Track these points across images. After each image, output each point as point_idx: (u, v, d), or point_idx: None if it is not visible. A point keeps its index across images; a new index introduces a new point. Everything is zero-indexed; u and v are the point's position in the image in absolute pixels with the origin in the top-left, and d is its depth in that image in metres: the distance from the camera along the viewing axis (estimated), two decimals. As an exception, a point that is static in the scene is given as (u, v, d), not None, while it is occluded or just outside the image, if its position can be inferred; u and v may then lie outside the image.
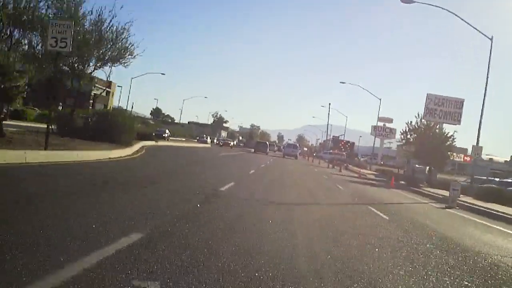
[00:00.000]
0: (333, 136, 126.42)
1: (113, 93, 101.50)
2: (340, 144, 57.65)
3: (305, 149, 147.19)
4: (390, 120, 71.29)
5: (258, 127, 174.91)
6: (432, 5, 26.77)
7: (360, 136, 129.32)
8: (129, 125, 25.78)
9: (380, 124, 71.98)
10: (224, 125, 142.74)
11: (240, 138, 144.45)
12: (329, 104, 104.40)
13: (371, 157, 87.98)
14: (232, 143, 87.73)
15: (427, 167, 29.64)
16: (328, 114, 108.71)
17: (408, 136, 34.19)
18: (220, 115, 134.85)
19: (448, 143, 32.03)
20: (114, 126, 23.73)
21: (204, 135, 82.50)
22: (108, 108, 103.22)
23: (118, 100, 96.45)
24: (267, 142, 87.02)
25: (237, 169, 22.46)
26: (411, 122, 35.09)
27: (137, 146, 24.96)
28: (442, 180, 29.19)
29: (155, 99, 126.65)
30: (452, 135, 32.35)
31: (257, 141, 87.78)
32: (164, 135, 57.40)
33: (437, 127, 34.09)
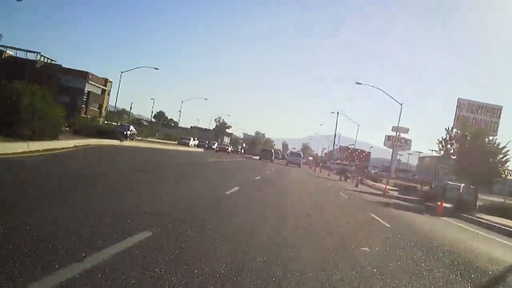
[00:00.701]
0: (340, 146, 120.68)
1: (109, 91, 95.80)
2: (354, 154, 51.20)
3: (310, 158, 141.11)
4: (406, 130, 64.81)
5: (263, 134, 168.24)
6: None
7: (371, 147, 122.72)
8: (41, 110, 17.16)
9: (394, 133, 65.51)
10: (227, 131, 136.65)
11: (244, 145, 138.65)
12: (337, 112, 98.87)
13: (383, 170, 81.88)
14: (229, 149, 77.34)
15: (472, 186, 22.97)
16: (336, 122, 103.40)
17: (449, 146, 27.51)
18: (223, 120, 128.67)
19: (501, 156, 25.32)
20: (16, 111, 15.98)
21: (192, 138, 68.97)
22: (104, 109, 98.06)
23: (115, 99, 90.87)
24: (273, 150, 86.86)
25: (202, 189, 16.17)
26: (451, 128, 28.66)
27: (66, 143, 18.20)
28: (492, 204, 22.70)
29: (151, 99, 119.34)
30: (505, 147, 25.56)
31: (262, 148, 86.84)
32: (126, 132, 48.05)
33: (489, 137, 27.39)
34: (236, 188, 13.71)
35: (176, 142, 61.99)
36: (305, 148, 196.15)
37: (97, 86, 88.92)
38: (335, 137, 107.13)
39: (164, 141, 58.92)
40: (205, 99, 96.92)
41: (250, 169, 28.68)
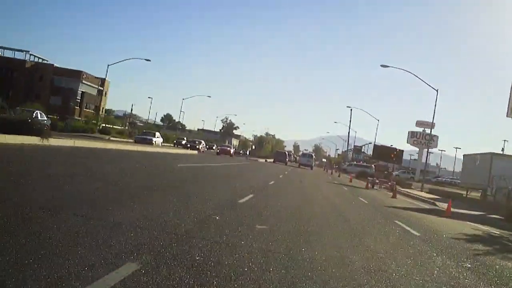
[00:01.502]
0: (355, 145, 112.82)
1: (106, 92, 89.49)
2: (391, 154, 42.57)
3: (324, 160, 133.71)
4: (431, 125, 57.16)
5: (273, 135, 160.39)
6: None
7: (391, 145, 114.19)
8: None
9: (419, 129, 57.62)
10: (236, 132, 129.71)
11: (253, 147, 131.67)
12: (351, 109, 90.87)
13: (405, 171, 74.06)
14: (232, 151, 66.02)
15: None
16: (350, 120, 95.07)
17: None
18: (230, 120, 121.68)
19: None
20: None
21: (157, 134, 50.18)
22: (101, 110, 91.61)
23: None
24: (287, 152, 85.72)
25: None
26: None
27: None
28: None
29: (149, 97, 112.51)
30: None
31: (276, 151, 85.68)
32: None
33: None
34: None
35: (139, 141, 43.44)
36: (317, 149, 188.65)
37: (92, 87, 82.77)
38: (349, 135, 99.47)
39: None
40: (208, 96, 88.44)
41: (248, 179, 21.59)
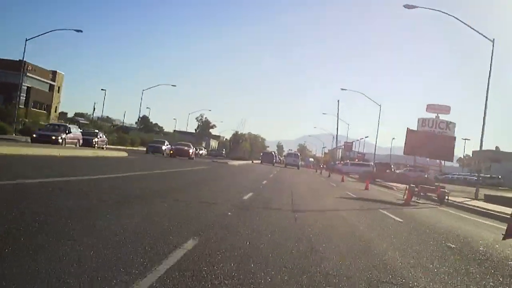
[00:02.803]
0: (345, 142, 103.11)
1: (59, 87, 77.27)
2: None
3: (311, 159, 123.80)
4: (446, 109, 47.25)
5: (249, 133, 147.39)
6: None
7: (393, 138, 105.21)
8: None
9: (431, 115, 47.55)
10: (212, 132, 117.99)
11: (231, 144, 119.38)
12: (338, 101, 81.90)
13: (410, 168, 64.21)
14: (192, 151, 45.43)
15: None
16: (338, 113, 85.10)
17: None
18: (205, 118, 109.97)
19: None
20: None
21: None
22: (54, 109, 79.13)
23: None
24: (273, 153, 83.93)
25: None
26: None
27: None
28: None
29: (102, 89, 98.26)
30: None
31: (263, 152, 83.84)
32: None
33: None
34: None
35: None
36: (302, 148, 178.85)
37: (41, 81, 70.80)
38: (337, 131, 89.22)
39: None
40: (173, 85, 75.39)
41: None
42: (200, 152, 70.21)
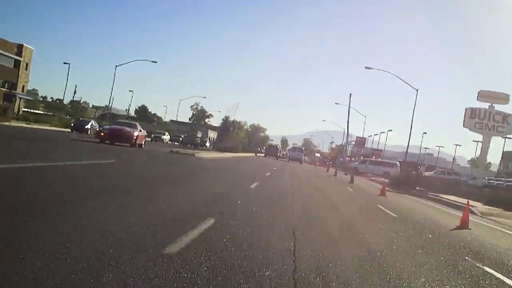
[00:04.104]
0: (357, 137, 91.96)
1: (27, 64, 66.42)
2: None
3: (317, 155, 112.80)
4: (503, 98, 36.31)
5: (254, 125, 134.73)
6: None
7: (425, 133, 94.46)
8: None
9: (484, 105, 36.19)
10: (208, 121, 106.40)
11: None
12: (350, 94, 71.39)
13: (444, 172, 53.01)
14: (139, 134, 27.37)
15: None
16: (349, 108, 73.84)
17: None
18: (201, 107, 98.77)
19: None
20: None
21: None
22: (21, 89, 68.22)
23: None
24: (278, 146, 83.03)
25: None
26: None
27: None
28: None
29: (65, 63, 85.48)
30: None
31: (268, 145, 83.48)
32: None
33: None
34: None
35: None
36: (307, 143, 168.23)
37: (4, 55, 60.04)
38: (348, 123, 77.53)
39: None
40: (153, 61, 60.73)
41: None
42: (163, 137, 56.96)
